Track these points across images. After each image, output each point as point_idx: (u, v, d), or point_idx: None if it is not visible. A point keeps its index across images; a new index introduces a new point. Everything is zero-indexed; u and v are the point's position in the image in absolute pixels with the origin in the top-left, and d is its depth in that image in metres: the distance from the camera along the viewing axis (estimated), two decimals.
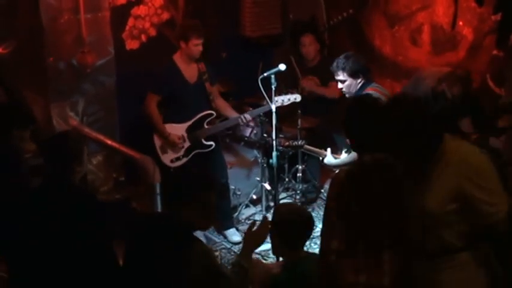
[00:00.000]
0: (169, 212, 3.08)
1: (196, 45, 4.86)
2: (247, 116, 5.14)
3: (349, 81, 4.50)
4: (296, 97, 5.20)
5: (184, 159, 5.13)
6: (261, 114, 5.55)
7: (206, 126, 5.12)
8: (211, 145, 5.13)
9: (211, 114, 5.12)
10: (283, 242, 3.21)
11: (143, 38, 5.85)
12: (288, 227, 3.17)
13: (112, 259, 3.14)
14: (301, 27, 6.36)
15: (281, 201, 5.74)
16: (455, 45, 5.41)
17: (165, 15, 5.94)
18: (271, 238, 3.31)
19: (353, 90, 4.52)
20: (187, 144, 5.12)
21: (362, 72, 4.51)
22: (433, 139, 2.56)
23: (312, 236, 5.34)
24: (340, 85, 4.58)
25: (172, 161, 5.11)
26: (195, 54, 4.93)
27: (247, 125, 5.67)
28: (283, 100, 5.10)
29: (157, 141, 5.11)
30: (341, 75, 4.51)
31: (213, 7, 6.30)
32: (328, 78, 5.87)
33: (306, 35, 6.10)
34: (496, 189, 2.53)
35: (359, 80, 4.52)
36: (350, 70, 4.47)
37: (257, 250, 4.93)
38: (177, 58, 5.00)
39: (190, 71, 5.01)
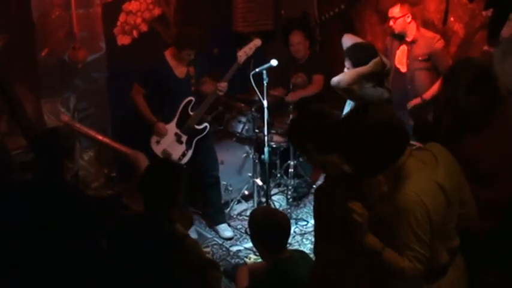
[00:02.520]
0: (159, 208, 3.08)
1: (188, 55, 4.92)
2: (222, 84, 5.03)
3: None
4: (256, 42, 5.18)
5: (190, 152, 5.12)
6: (253, 109, 5.56)
7: (191, 113, 5.10)
8: (206, 127, 5.15)
9: (191, 101, 5.08)
10: (263, 246, 3.24)
11: (135, 33, 5.84)
12: (263, 232, 3.19)
13: (102, 255, 3.14)
14: (292, 23, 6.34)
15: (272, 197, 5.77)
16: (446, 41, 5.41)
17: (157, 11, 5.93)
18: (253, 244, 3.36)
19: None
20: (184, 137, 5.11)
21: (364, 64, 4.40)
22: (389, 156, 2.45)
23: (303, 232, 5.42)
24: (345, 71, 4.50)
25: (180, 159, 5.10)
26: (185, 60, 4.97)
27: (239, 121, 5.66)
28: (245, 52, 5.09)
29: (156, 150, 5.10)
30: (347, 63, 4.43)
31: (205, 2, 6.29)
32: (313, 73, 5.88)
33: (294, 33, 6.01)
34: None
35: None
36: (354, 59, 4.39)
37: (249, 246, 5.00)
38: (168, 54, 5.01)
39: (180, 68, 5.02)
